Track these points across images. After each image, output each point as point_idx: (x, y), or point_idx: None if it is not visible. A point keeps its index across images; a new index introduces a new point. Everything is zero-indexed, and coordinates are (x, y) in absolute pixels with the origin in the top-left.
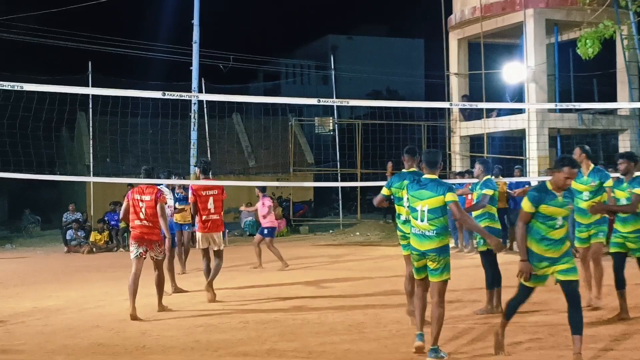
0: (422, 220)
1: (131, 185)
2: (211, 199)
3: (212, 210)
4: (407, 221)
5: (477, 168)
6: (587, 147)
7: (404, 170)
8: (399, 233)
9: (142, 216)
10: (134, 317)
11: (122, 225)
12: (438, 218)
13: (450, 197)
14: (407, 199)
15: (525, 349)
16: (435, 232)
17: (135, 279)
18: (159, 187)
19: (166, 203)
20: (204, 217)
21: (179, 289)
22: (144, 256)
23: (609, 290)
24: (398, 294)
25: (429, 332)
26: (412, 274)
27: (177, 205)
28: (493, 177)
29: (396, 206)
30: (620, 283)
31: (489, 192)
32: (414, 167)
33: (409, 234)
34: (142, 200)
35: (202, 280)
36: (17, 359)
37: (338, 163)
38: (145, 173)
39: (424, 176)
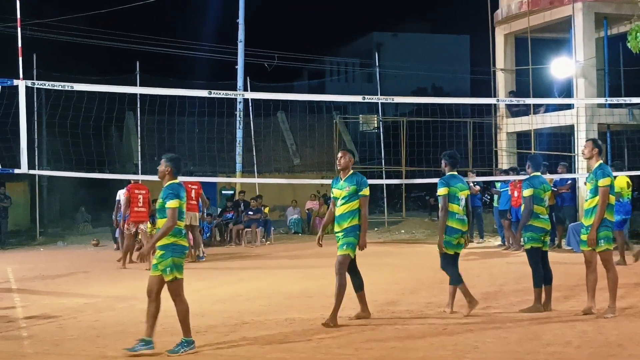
0: None
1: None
2: (141, 197)
3: (140, 205)
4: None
5: (527, 165)
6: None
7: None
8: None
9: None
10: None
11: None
12: None
13: None
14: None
15: (575, 347)
16: None
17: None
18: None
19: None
20: (135, 209)
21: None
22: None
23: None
24: (443, 291)
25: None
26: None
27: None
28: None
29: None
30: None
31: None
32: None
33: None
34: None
35: (243, 277)
36: (70, 353)
37: (383, 160)
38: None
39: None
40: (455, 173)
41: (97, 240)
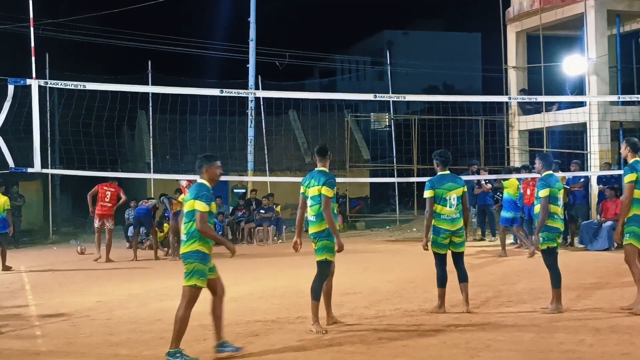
0: None
1: (190, 182)
2: (108, 193)
3: (107, 201)
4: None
5: (538, 163)
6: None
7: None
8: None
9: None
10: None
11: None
12: None
13: None
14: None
15: (589, 346)
16: None
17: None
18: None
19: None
20: (100, 204)
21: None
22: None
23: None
24: (455, 289)
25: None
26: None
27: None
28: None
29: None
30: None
31: (544, 192)
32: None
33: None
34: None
35: (255, 275)
36: (83, 351)
37: (394, 159)
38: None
39: None
40: (447, 172)
41: (84, 247)
